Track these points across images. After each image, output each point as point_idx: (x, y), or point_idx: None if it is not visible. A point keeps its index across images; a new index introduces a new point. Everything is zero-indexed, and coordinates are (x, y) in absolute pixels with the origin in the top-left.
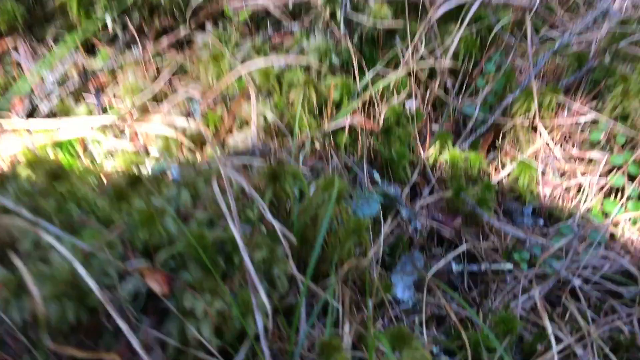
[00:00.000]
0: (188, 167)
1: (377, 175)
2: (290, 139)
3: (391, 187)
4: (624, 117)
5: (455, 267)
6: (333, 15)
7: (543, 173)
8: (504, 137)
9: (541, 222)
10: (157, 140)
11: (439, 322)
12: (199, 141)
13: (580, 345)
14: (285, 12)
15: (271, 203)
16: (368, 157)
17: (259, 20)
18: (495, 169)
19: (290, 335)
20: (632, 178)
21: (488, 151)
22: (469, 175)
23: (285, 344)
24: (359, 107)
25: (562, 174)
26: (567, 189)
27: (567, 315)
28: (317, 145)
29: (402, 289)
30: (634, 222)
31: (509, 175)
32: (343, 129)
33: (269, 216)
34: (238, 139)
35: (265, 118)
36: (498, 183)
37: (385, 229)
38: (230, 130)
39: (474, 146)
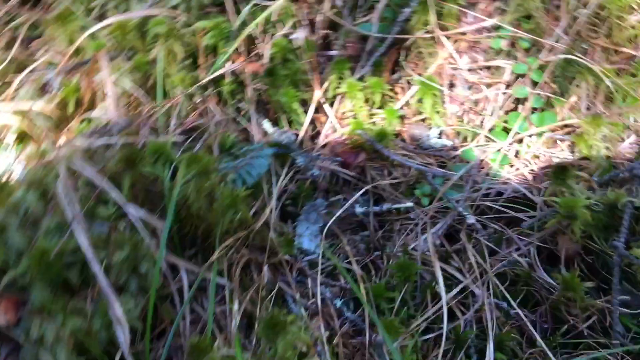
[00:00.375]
0: (36, 162)
1: (267, 124)
2: (156, 105)
3: (284, 134)
4: (527, 18)
5: (358, 210)
6: None
7: (451, 85)
8: (407, 54)
9: (449, 144)
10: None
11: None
12: (56, 124)
13: (478, 284)
14: None
15: (135, 188)
16: (257, 104)
17: None
18: (402, 89)
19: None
20: (537, 86)
21: (393, 72)
22: (373, 102)
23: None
24: (237, 49)
25: (470, 87)
26: (475, 103)
27: (465, 253)
28: (198, 101)
29: (308, 239)
30: (540, 136)
31: (412, 96)
32: (224, 77)
33: (129, 209)
34: (97, 115)
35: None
36: (403, 107)
37: (280, 181)
38: (91, 105)
39: (376, 69)
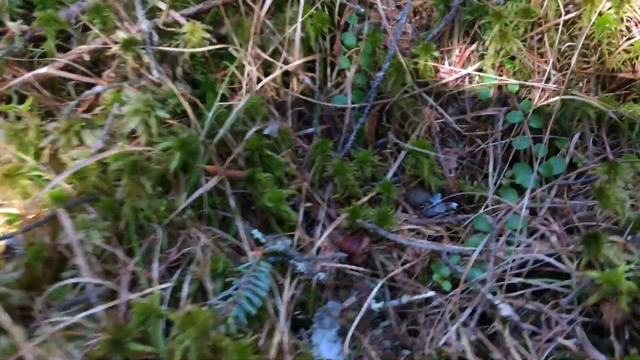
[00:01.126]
0: None
1: (258, 234)
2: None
3: (278, 240)
4: (511, 58)
5: (375, 306)
6: (138, 58)
7: (443, 141)
8: (389, 116)
9: (454, 205)
10: None
11: None
12: (27, 291)
13: None
14: (83, 70)
15: None
16: (243, 212)
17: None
18: (392, 154)
19: None
20: (537, 131)
21: (378, 137)
22: (365, 177)
23: None
24: (211, 159)
25: (463, 141)
26: (474, 156)
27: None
28: (178, 228)
29: (327, 348)
30: (552, 188)
31: (404, 161)
32: (199, 198)
33: None
34: (69, 276)
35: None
36: (397, 173)
37: (286, 295)
38: (62, 265)
39: (360, 140)
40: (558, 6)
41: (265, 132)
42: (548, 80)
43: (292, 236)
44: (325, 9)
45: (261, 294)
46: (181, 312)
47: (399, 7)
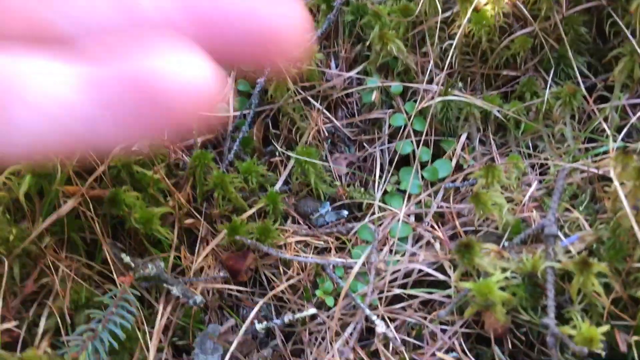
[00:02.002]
0: None
1: (127, 258)
2: None
3: (150, 263)
4: (395, 58)
5: (259, 326)
6: None
7: (333, 145)
8: (276, 122)
9: (344, 213)
10: None
11: None
12: None
13: None
14: None
15: None
16: (115, 235)
17: None
18: (282, 162)
19: None
20: (422, 134)
21: (265, 145)
22: (251, 188)
23: None
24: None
25: (352, 145)
26: (364, 160)
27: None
28: (33, 259)
29: None
30: (437, 193)
31: (293, 169)
32: (60, 223)
33: None
34: None
35: None
36: (288, 182)
37: (159, 323)
38: None
39: (245, 148)
40: (436, 3)
41: (134, 147)
42: (431, 81)
43: (167, 257)
44: None
45: (127, 325)
46: (15, 356)
47: None
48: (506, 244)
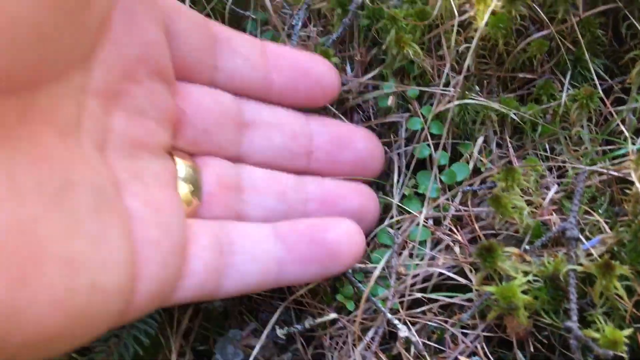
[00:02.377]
0: None
1: None
2: None
3: None
4: (411, 62)
5: (280, 332)
6: None
7: None
8: None
9: None
10: None
11: None
12: None
13: None
14: None
15: None
16: None
17: None
18: None
19: None
20: (439, 137)
21: None
22: None
23: None
24: None
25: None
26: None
27: None
28: None
29: None
30: (455, 196)
31: None
32: None
33: None
34: None
35: None
36: None
37: (183, 326)
38: None
39: None
40: (452, 7)
41: None
42: (447, 84)
43: None
44: (218, 15)
45: (150, 331)
46: None
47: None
48: (527, 247)
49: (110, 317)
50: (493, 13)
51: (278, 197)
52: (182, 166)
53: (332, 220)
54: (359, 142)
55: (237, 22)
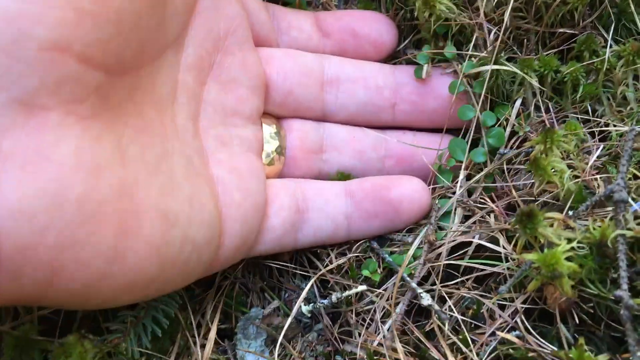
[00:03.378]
0: None
1: None
2: None
3: None
4: (446, 20)
5: (305, 309)
6: None
7: None
8: None
9: None
10: None
11: None
12: None
13: None
14: None
15: None
16: None
17: None
18: None
19: None
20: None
21: None
22: None
23: None
24: None
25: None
26: None
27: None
28: None
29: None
30: (491, 162)
31: None
32: None
33: None
34: None
35: None
36: None
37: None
38: None
39: None
40: None
41: None
42: (485, 42)
43: None
44: None
45: (169, 311)
46: (55, 342)
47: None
48: (570, 212)
49: (200, 266)
50: None
51: (356, 156)
52: (268, 131)
53: (397, 179)
54: (442, 88)
55: None
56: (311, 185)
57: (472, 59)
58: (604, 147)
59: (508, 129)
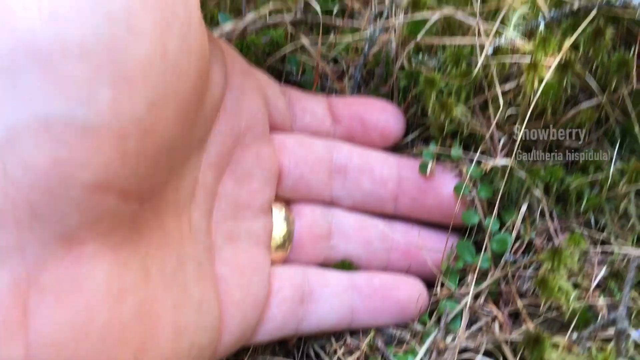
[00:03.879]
0: None
1: None
2: None
3: None
4: (457, 124)
5: None
6: None
7: None
8: None
9: None
10: None
11: None
12: None
13: None
14: None
15: None
16: None
17: None
18: None
19: None
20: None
21: None
22: None
23: None
24: None
25: None
26: None
27: None
28: None
29: None
30: (496, 268)
31: None
32: None
33: None
34: None
35: None
36: None
37: None
38: None
39: None
40: (503, 67)
41: None
42: (494, 148)
43: None
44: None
45: None
46: None
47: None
48: (574, 335)
49: None
50: (543, 80)
51: (363, 246)
52: (278, 216)
53: (404, 279)
54: (443, 187)
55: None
56: (318, 276)
57: (479, 164)
58: (606, 262)
59: (514, 234)
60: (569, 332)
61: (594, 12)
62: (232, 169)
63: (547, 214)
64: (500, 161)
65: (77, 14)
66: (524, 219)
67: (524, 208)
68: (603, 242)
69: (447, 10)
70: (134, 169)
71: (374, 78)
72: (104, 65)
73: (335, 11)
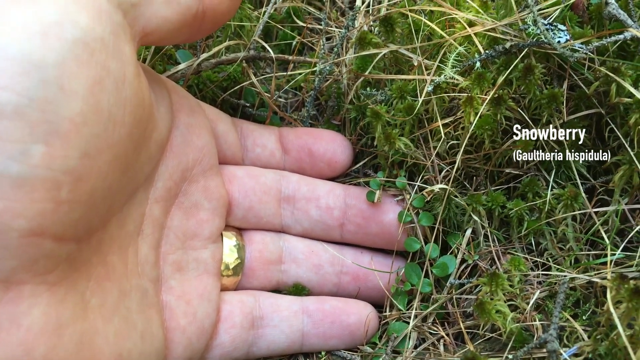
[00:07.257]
0: None
1: None
2: None
3: None
4: (403, 155)
5: None
6: None
7: None
8: None
9: None
10: None
11: None
12: None
13: None
14: None
15: None
16: None
17: None
18: None
19: None
20: (430, 228)
21: None
22: None
23: None
24: None
25: None
26: None
27: None
28: None
29: None
30: (441, 291)
31: None
32: None
33: None
34: None
35: None
36: None
37: None
38: None
39: None
40: (443, 101)
41: None
42: (435, 178)
43: None
44: (208, 101)
45: None
46: None
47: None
48: (510, 356)
49: None
50: (479, 115)
51: (313, 270)
52: (228, 244)
53: (354, 304)
54: (386, 215)
55: (232, 109)
56: (269, 301)
57: (423, 192)
58: (544, 283)
59: (459, 257)
60: (506, 352)
61: (524, 51)
62: (180, 202)
63: (489, 237)
64: (438, 187)
65: (12, 80)
66: (468, 243)
67: (468, 232)
68: (543, 265)
69: (392, 47)
70: (67, 215)
71: (326, 110)
72: (37, 124)
73: (293, 44)
